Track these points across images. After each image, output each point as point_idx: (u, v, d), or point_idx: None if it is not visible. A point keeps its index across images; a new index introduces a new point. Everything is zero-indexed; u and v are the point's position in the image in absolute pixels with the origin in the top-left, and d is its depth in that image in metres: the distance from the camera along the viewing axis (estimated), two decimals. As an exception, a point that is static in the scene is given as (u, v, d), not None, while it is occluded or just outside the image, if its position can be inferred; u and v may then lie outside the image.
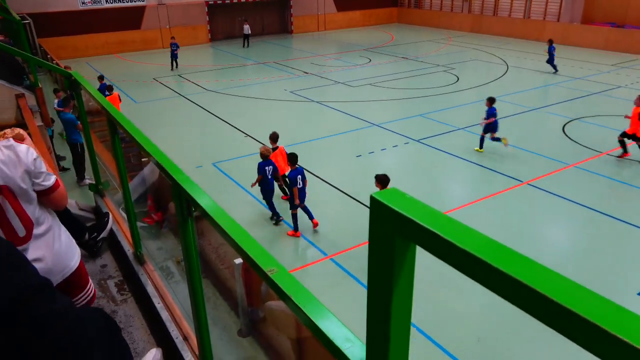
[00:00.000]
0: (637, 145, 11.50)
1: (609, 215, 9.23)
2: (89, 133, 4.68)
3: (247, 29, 28.46)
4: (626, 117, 11.83)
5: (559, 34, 27.24)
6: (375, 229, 0.90)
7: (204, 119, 15.64)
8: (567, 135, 13.50)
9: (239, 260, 3.03)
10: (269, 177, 8.87)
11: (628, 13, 26.10)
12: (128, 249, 3.85)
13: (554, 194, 10.10)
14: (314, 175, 11.09)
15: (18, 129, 2.76)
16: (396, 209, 0.87)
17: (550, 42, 20.32)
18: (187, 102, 17.63)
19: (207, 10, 29.87)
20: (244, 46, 28.52)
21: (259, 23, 33.19)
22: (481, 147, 12.25)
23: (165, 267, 4.01)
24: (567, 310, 0.67)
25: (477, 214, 9.43)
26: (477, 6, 32.27)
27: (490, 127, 11.97)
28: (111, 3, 27.03)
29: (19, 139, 2.67)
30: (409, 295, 0.91)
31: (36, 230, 2.54)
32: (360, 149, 12.66)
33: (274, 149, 9.51)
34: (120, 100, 14.28)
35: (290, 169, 8.53)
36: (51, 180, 2.58)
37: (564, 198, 9.95)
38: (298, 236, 8.65)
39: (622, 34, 25.07)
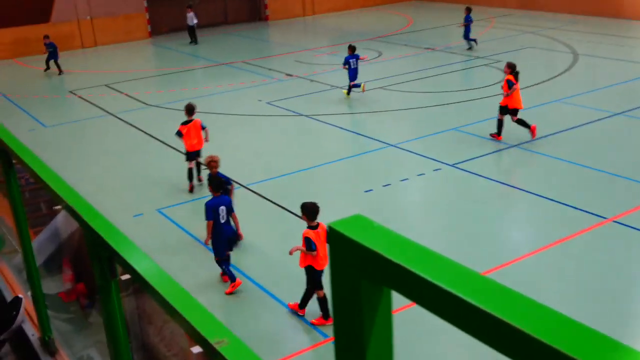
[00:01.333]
0: (500, 121, 14.59)
1: None
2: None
3: (191, 18, 28.64)
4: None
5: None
6: (338, 271, 1.00)
7: (143, 147, 15.83)
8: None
9: (197, 349, 3.09)
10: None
11: None
12: (32, 332, 3.91)
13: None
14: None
15: None
16: (362, 242, 0.97)
17: (469, 10, 23.99)
18: (118, 122, 17.87)
19: (145, -8, 30.62)
20: (191, 42, 29.03)
21: (220, 9, 33.94)
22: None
23: (87, 357, 4.06)
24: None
25: (544, 268, 9.50)
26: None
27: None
28: (8, -12, 27.67)
29: None
30: (387, 355, 1.00)
31: None
32: (370, 181, 12.80)
33: (188, 122, 12.57)
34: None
35: (212, 195, 9.36)
36: None
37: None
38: (237, 285, 9.20)
39: None
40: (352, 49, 18.66)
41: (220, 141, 15.97)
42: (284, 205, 11.88)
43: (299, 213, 11.07)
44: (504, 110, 14.46)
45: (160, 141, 15.99)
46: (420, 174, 13.10)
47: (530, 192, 11.91)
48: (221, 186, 9.54)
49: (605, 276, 9.24)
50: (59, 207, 5.49)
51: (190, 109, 12.72)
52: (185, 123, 12.65)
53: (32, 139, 16.14)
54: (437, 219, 11.33)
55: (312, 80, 21.16)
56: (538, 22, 29.12)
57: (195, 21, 28.72)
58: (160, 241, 10.83)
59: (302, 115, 17.47)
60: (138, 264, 1.93)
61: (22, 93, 21.80)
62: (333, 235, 1.02)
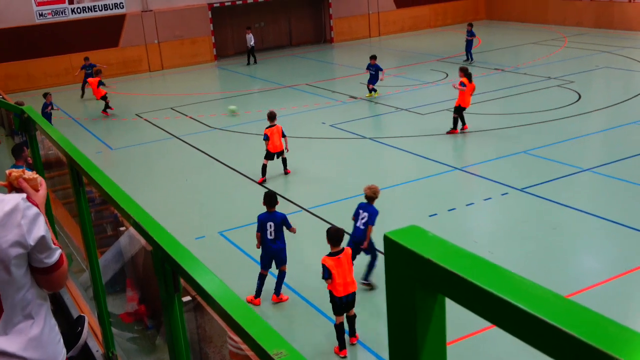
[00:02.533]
0: (455, 119, 17.02)
1: None
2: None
3: (250, 39, 29.73)
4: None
5: None
6: (393, 278, 1.06)
7: (206, 169, 16.20)
8: None
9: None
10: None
11: None
12: (97, 349, 4.07)
13: None
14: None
15: (33, 172, 3.13)
16: (416, 251, 1.02)
17: (471, 26, 26.59)
18: (182, 145, 18.36)
19: (210, 16, 31.49)
20: (248, 64, 29.82)
21: (284, 31, 34.56)
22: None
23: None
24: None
25: (620, 295, 9.24)
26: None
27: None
28: (78, 13, 28.96)
29: (34, 188, 3.03)
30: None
31: (21, 325, 2.80)
32: (435, 205, 12.74)
33: (271, 126, 14.56)
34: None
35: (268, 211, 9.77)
36: (55, 255, 2.87)
37: None
38: (256, 303, 9.63)
39: None
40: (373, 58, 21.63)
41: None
42: (346, 230, 11.93)
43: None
44: (458, 109, 17.06)
45: (224, 164, 16.33)
46: (487, 199, 12.95)
47: (605, 218, 11.61)
48: (272, 203, 9.73)
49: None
50: (123, 228, 5.70)
51: (271, 116, 14.64)
52: (269, 127, 14.59)
53: (100, 161, 16.75)
54: (503, 244, 11.16)
55: (376, 103, 21.26)
56: (614, 41, 28.50)
57: (252, 42, 29.58)
58: (222, 263, 11.02)
59: (366, 137, 17.55)
60: (201, 278, 2.02)
61: (90, 116, 22.67)
62: (388, 244, 1.08)
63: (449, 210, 12.47)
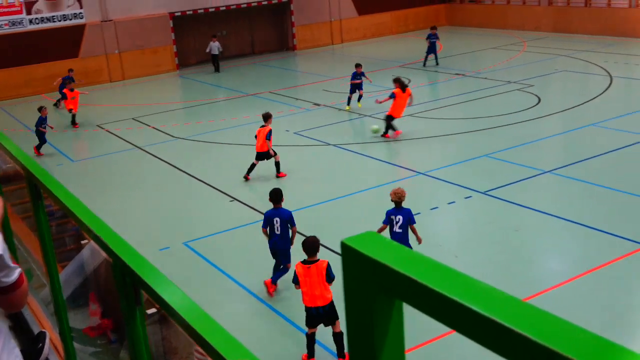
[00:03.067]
0: (387, 125, 17.57)
1: None
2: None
3: (215, 47, 29.73)
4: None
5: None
6: (350, 284, 1.06)
7: (170, 179, 16.07)
8: None
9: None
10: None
11: None
12: (59, 366, 3.99)
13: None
14: (333, 251, 11.22)
15: None
16: (373, 257, 1.03)
17: (434, 29, 26.86)
18: (145, 155, 18.19)
19: (172, 25, 31.30)
20: (217, 70, 29.92)
21: (246, 39, 34.52)
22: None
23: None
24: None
25: (582, 294, 9.39)
26: (561, -5, 33.18)
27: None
28: (37, 24, 28.52)
29: None
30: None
31: None
32: (399, 210, 12.81)
33: (262, 127, 15.00)
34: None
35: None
36: (14, 274, 2.80)
37: None
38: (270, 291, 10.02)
39: None
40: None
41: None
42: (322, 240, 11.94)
43: (327, 244, 11.13)
44: (388, 118, 17.67)
45: (187, 174, 16.22)
46: (451, 202, 13.07)
47: (565, 219, 11.80)
48: (278, 199, 10.06)
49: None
50: (85, 241, 5.62)
51: (264, 116, 15.05)
52: (260, 127, 15.09)
53: (60, 174, 16.49)
54: (468, 247, 11.27)
55: (340, 110, 21.33)
56: (572, 45, 29.07)
57: (217, 50, 29.69)
58: (187, 274, 10.93)
59: (330, 144, 17.60)
60: (161, 289, 2.00)
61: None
62: (345, 251, 1.08)
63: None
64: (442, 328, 8.38)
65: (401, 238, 9.69)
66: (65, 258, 5.91)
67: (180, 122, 21.72)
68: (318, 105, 22.20)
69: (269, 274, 10.32)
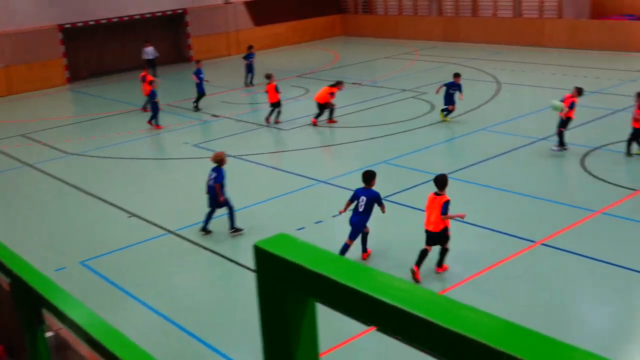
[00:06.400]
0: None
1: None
2: None
3: (150, 52, 30.06)
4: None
5: (563, 35, 29.42)
6: (264, 286, 1.09)
7: (63, 197, 15.50)
8: (588, 172, 14.36)
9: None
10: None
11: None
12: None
13: (581, 255, 10.63)
14: (236, 263, 11.15)
15: None
16: (286, 257, 1.06)
17: (199, 62, 24.72)
18: (36, 173, 17.47)
19: (61, 37, 30.23)
20: (155, 76, 29.43)
21: (140, 50, 33.80)
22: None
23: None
24: None
25: (479, 293, 9.73)
26: (450, 6, 34.46)
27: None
28: None
29: None
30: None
31: None
32: (302, 219, 12.89)
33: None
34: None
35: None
36: None
37: (596, 259, 10.50)
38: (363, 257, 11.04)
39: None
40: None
41: (148, 186, 15.84)
42: (215, 250, 11.86)
43: (231, 256, 11.08)
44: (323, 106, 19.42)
45: (82, 190, 15.69)
46: (350, 209, 13.25)
47: (461, 221, 12.20)
48: (368, 180, 10.86)
49: (541, 299, 9.55)
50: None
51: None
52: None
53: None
54: (376, 253, 11.48)
55: (238, 121, 21.26)
56: (462, 53, 30.21)
57: (152, 55, 30.29)
58: (85, 294, 10.58)
59: (230, 156, 17.47)
60: (66, 307, 1.94)
61: None
62: (258, 254, 1.11)
63: (315, 223, 12.67)
64: (354, 331, 8.50)
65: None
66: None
67: (72, 137, 21.00)
68: (217, 116, 22.03)
69: (174, 292, 10.13)
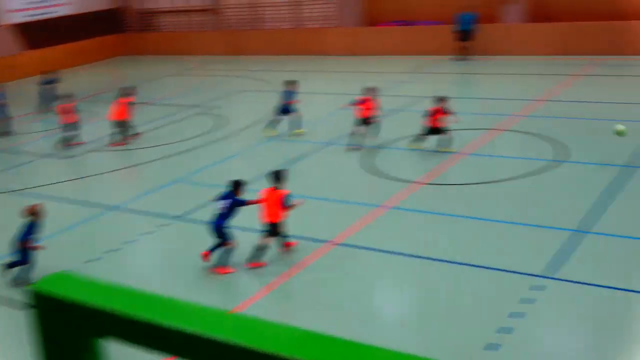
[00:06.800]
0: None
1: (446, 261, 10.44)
2: None
3: None
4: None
5: (342, 43, 30.99)
6: (44, 332, 0.98)
7: None
8: (366, 169, 15.10)
9: None
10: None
11: (417, 9, 30.83)
12: None
13: (376, 250, 11.08)
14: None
15: None
16: (65, 297, 0.97)
17: (45, 73, 24.94)
18: None
19: None
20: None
21: None
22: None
23: None
24: None
25: (273, 306, 9.76)
26: (231, 19, 34.81)
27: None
28: None
29: None
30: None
31: None
32: (92, 251, 12.18)
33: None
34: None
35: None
36: None
37: (388, 252, 10.99)
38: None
39: (415, 33, 29.57)
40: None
41: None
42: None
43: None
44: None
45: None
46: (147, 233, 12.83)
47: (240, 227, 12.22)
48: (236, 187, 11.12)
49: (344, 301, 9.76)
50: None
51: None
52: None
53: None
54: (166, 275, 11.12)
55: (11, 154, 19.74)
56: (245, 65, 30.84)
57: None
58: None
59: (7, 192, 16.08)
60: None
61: None
62: (37, 297, 1.01)
63: (107, 252, 12.02)
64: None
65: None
66: None
67: None
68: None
69: None
